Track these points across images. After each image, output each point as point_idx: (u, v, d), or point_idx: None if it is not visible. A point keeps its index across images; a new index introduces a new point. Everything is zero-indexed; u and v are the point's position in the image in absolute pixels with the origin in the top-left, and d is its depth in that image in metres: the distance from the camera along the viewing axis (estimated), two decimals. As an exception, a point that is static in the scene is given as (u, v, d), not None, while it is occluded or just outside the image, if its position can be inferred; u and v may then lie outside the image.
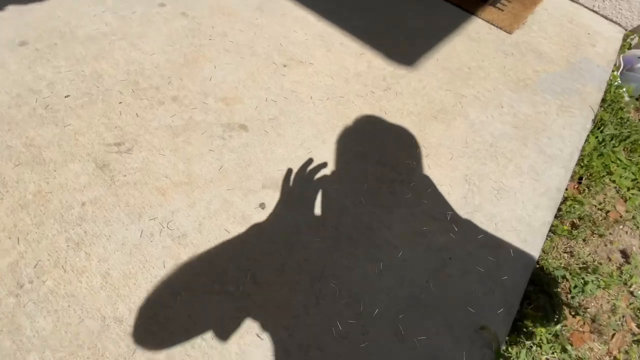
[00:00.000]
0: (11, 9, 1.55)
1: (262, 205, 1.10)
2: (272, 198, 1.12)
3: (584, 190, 1.45)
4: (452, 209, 1.19)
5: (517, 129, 1.47)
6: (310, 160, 1.23)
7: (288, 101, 1.38)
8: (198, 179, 1.13)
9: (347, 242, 1.07)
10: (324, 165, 1.23)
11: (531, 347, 1.01)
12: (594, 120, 1.64)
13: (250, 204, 1.10)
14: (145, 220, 1.03)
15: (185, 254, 0.99)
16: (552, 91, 1.68)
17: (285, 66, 1.50)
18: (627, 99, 1.90)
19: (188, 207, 1.07)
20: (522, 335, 1.03)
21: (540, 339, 1.01)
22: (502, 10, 2.05)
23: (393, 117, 1.41)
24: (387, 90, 1.50)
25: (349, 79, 1.50)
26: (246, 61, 1.50)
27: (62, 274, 0.93)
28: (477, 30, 1.91)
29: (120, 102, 1.29)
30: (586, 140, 1.55)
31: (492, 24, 1.98)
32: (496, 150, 1.38)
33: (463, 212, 1.19)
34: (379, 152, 1.30)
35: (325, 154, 1.26)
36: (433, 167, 1.29)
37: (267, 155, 1.22)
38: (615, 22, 2.33)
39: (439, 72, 1.62)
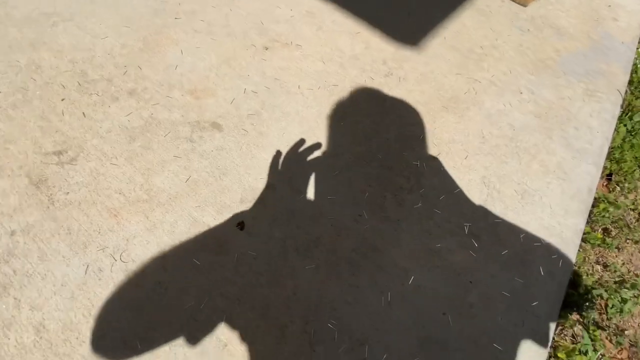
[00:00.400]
0: None
1: (241, 225, 0.89)
2: (253, 215, 0.91)
3: (613, 188, 1.26)
4: (470, 220, 1.00)
5: (539, 119, 1.26)
6: (297, 164, 1.02)
7: (271, 92, 1.15)
8: (160, 195, 0.91)
9: (346, 268, 0.88)
10: (316, 170, 1.01)
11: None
12: (622, 106, 1.44)
13: (226, 224, 0.89)
14: (92, 252, 0.82)
15: (143, 294, 0.79)
16: (575, 73, 1.47)
17: (267, 49, 1.26)
18: (654, 79, 1.69)
19: (147, 232, 0.86)
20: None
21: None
22: (516, -20, 1.81)
23: (397, 107, 1.20)
24: (389, 75, 1.27)
25: (343, 64, 1.27)
26: (220, 44, 1.25)
27: (-18, 329, 0.72)
28: (487, 2, 1.66)
29: (62, 99, 1.05)
30: (615, 130, 1.36)
31: (504, -5, 1.73)
32: (517, 146, 1.18)
33: (483, 222, 1.00)
34: (381, 152, 1.09)
35: (318, 157, 1.04)
36: (446, 169, 1.08)
37: (247, 161, 1.00)
38: (637, -7, 2.09)
39: (448, 54, 1.40)
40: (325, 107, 1.15)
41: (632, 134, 1.40)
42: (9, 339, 0.72)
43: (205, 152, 1.00)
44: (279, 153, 1.02)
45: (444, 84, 1.30)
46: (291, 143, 1.05)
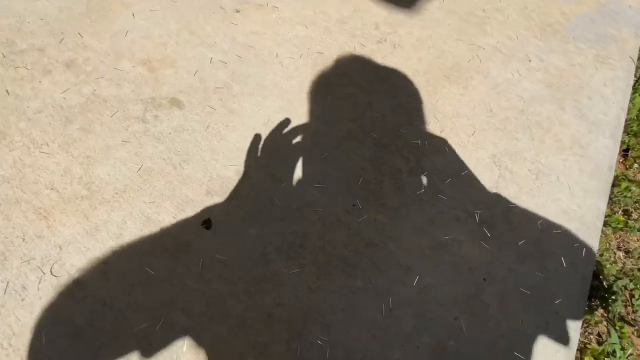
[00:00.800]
0: None
1: (207, 224, 0.72)
2: (222, 210, 0.74)
3: (631, 165, 1.14)
4: (481, 206, 0.86)
5: (550, 88, 1.12)
6: (278, 147, 0.85)
7: (243, 61, 0.96)
8: (103, 189, 0.73)
9: (338, 270, 0.73)
10: (301, 153, 0.85)
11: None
12: (635, 75, 1.31)
13: (188, 223, 0.72)
14: (13, 265, 0.64)
15: (81, 315, 0.62)
16: (584, 38, 1.32)
17: (238, 11, 1.06)
18: (664, 46, 1.57)
19: (87, 236, 0.68)
20: (585, 379, 0.75)
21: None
22: (517, -63, 1.62)
23: (392, 78, 1.03)
24: (382, 41, 1.10)
25: (329, 28, 1.09)
26: (180, 5, 1.04)
27: None
28: (487, -38, 1.48)
29: (-22, 73, 0.84)
30: (630, 100, 1.23)
31: (505, -47, 1.55)
32: (528, 119, 1.03)
33: (496, 208, 0.86)
34: (377, 129, 0.92)
35: (302, 137, 0.87)
36: (451, 147, 0.93)
37: (214, 144, 0.82)
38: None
39: (447, 17, 1.22)
40: (309, 78, 0.97)
41: (647, 105, 1.27)
42: None
43: (161, 134, 0.81)
44: (253, 134, 0.85)
45: (444, 50, 1.13)
46: (268, 121, 0.87)
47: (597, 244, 0.87)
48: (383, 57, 1.07)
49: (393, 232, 0.79)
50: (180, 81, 0.90)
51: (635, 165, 1.14)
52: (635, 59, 1.33)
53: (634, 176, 1.08)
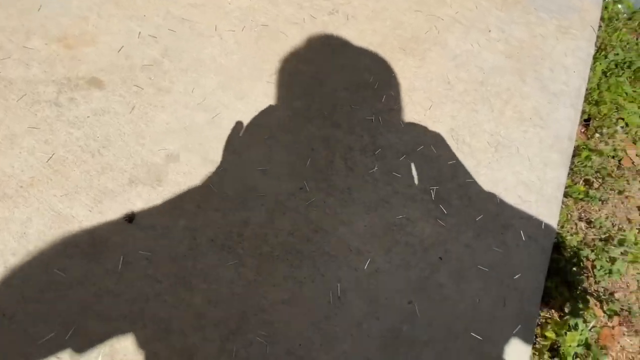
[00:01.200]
0: None
1: (130, 217, 0.64)
2: (147, 200, 0.66)
3: (592, 134, 1.13)
4: (437, 182, 0.81)
5: (511, 60, 1.08)
6: (218, 128, 0.76)
7: (177, 36, 0.86)
8: (6, 183, 0.64)
9: (282, 259, 0.66)
10: (242, 134, 0.77)
11: (559, 370, 0.71)
12: (596, 44, 1.29)
13: (107, 216, 0.64)
14: None
15: (-24, 329, 0.53)
16: (546, 9, 1.28)
17: (171, -18, 0.96)
18: (625, 15, 1.56)
19: (-18, 238, 0.59)
20: (544, 356, 0.72)
21: (572, 359, 0.71)
22: None
23: (345, 51, 0.96)
24: (334, 13, 1.02)
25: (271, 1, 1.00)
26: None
27: None
28: None
29: None
30: (591, 69, 1.21)
31: None
32: (488, 90, 0.99)
33: (453, 184, 0.81)
34: (327, 107, 0.85)
35: (243, 116, 0.79)
36: (407, 122, 0.88)
37: (140, 127, 0.73)
38: None
39: (404, -13, 1.15)
40: (252, 52, 0.89)
41: (608, 74, 1.26)
42: None
43: (77, 119, 0.72)
44: (186, 113, 0.76)
45: (401, 22, 1.07)
46: (204, 100, 0.79)
47: (558, 215, 0.85)
48: (335, 29, 0.99)
49: (344, 215, 0.73)
50: (102, 59, 0.79)
51: (597, 134, 1.12)
52: (596, 28, 1.31)
53: (595, 146, 1.06)
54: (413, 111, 0.90)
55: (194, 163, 0.71)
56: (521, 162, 0.88)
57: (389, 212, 0.75)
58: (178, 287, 0.60)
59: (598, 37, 1.30)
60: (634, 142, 1.19)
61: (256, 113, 0.81)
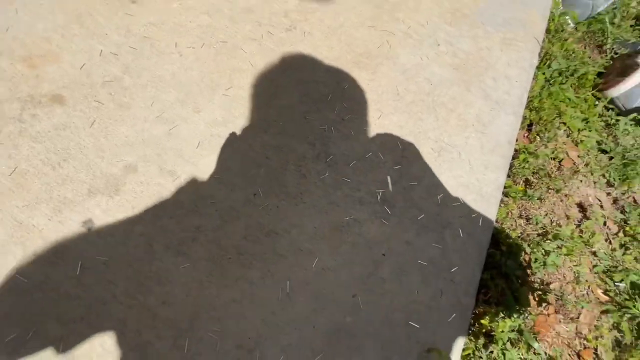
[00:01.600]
0: None
1: (88, 224, 0.68)
2: (105, 210, 0.71)
3: (534, 138, 1.22)
4: (383, 186, 0.88)
5: (457, 71, 1.17)
6: (175, 139, 0.82)
7: (138, 53, 0.92)
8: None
9: (234, 261, 0.71)
10: (197, 144, 0.82)
11: (491, 354, 0.78)
12: (540, 54, 1.40)
13: (67, 225, 0.68)
14: None
15: None
16: (493, 22, 1.39)
17: (134, 2, 1.01)
18: (572, 25, 1.69)
19: (-57, 249, 0.62)
20: (479, 341, 0.79)
21: (503, 343, 0.78)
22: None
23: (301, 66, 1.03)
24: (291, 30, 1.09)
25: (234, 17, 1.06)
26: (69, -3, 0.98)
27: None
28: (404, -49, 1.52)
29: None
30: (534, 78, 1.31)
31: (421, -57, 1.59)
32: (434, 100, 1.07)
33: (398, 186, 0.89)
34: (282, 118, 0.92)
35: (199, 128, 0.85)
36: (357, 132, 0.95)
37: (100, 141, 0.78)
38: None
39: (360, 5, 1.24)
40: (210, 68, 0.95)
41: (551, 82, 1.36)
42: None
43: (39, 133, 0.76)
44: (145, 127, 0.81)
45: (355, 38, 1.15)
46: (164, 113, 0.84)
47: (495, 212, 0.93)
48: (292, 45, 1.06)
49: (295, 218, 0.79)
50: (64, 76, 0.84)
51: (538, 138, 1.22)
52: (541, 40, 1.42)
53: (535, 149, 1.16)
54: (364, 121, 0.97)
55: (151, 173, 0.76)
56: (462, 166, 0.96)
57: (337, 215, 0.81)
58: (133, 289, 0.64)
59: (542, 47, 1.42)
60: (576, 145, 1.30)
61: (212, 124, 0.86)
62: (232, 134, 0.86)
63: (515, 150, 1.13)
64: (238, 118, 0.89)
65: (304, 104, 0.96)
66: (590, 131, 1.31)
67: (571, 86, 1.43)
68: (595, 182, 1.22)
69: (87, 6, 0.97)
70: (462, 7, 1.38)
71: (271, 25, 1.08)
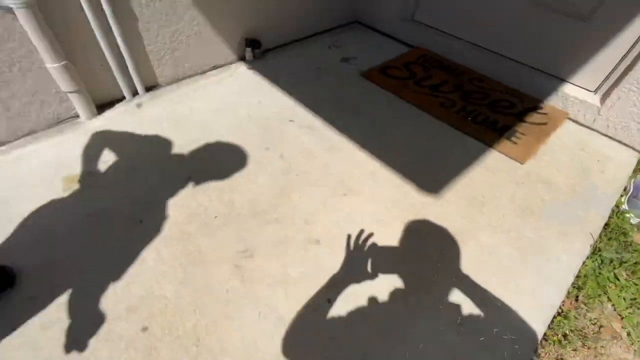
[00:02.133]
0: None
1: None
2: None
3: (579, 307, 1.81)
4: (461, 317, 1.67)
5: (519, 251, 1.94)
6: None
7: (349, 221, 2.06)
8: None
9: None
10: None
11: None
12: (592, 246, 2.02)
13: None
14: (260, 305, 1.71)
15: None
16: (555, 218, 2.13)
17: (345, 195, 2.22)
18: (633, 222, 2.23)
19: None
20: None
21: None
22: (516, 144, 2.61)
23: (424, 236, 2.00)
24: (417, 214, 2.11)
25: (389, 207, 2.15)
26: (320, 190, 2.25)
27: None
28: (494, 161, 2.48)
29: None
30: (584, 264, 1.94)
31: (507, 155, 2.53)
32: (499, 269, 1.86)
33: (472, 314, 1.67)
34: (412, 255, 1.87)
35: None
36: (444, 283, 1.81)
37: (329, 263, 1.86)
38: (629, 146, 2.71)
39: (458, 201, 2.20)
40: (376, 235, 2.00)
41: (601, 267, 1.95)
42: None
43: (310, 259, 1.90)
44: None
45: (454, 221, 2.08)
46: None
47: (534, 347, 1.58)
48: (416, 223, 2.06)
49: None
50: (323, 229, 2.02)
51: (583, 307, 1.80)
52: (596, 235, 2.06)
53: (574, 313, 1.75)
54: (455, 276, 1.83)
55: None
56: (513, 317, 1.68)
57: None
58: None
59: (596, 241, 2.04)
60: (622, 318, 1.81)
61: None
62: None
63: (559, 312, 1.76)
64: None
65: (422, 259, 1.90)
66: (638, 309, 1.81)
67: (624, 271, 1.98)
68: (635, 351, 1.69)
69: (325, 196, 2.22)
70: (531, 205, 2.18)
71: (407, 211, 2.12)
